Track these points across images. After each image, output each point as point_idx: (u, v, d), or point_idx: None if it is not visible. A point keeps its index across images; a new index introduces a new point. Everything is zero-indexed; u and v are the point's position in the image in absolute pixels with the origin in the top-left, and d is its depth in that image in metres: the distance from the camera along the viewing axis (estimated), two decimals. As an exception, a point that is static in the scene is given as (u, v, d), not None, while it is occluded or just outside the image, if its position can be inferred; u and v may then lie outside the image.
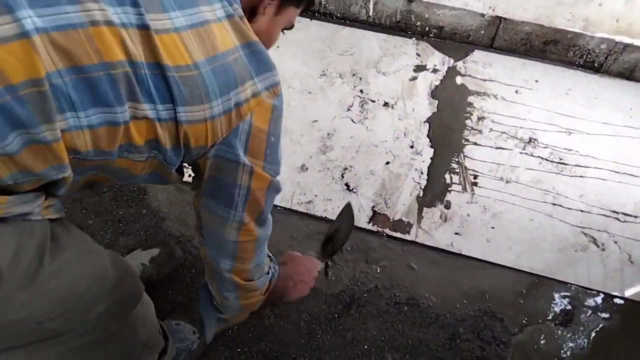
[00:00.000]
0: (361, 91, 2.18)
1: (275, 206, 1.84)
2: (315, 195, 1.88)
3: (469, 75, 2.23)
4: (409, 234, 1.80)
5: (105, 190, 1.85)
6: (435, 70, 2.25)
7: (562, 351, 1.58)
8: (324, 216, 1.83)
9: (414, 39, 2.35)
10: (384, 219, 1.83)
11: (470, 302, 1.66)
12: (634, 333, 1.61)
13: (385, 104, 2.14)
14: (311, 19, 2.42)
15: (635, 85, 2.20)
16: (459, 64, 2.27)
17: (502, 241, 1.78)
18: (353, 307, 1.65)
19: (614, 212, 1.85)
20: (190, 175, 1.05)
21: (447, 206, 1.87)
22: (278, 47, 2.28)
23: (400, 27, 2.37)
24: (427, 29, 2.34)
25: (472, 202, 1.88)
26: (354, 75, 2.23)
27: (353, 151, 2.00)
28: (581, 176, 1.94)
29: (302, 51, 2.30)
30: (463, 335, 1.60)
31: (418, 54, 2.30)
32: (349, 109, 2.12)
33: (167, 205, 1.83)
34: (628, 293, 1.68)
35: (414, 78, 2.22)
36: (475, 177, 1.94)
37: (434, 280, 1.71)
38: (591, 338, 1.60)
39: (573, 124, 2.07)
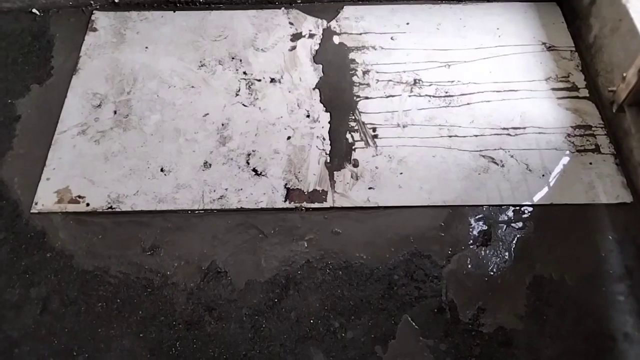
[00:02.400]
0: (244, 73, 2.13)
1: (187, 211, 1.78)
2: (226, 189, 1.84)
3: (345, 33, 2.25)
4: (326, 201, 1.82)
5: (0, 245, 1.70)
6: (311, 35, 2.24)
7: (489, 269, 1.68)
8: (239, 207, 1.80)
9: (282, 8, 2.32)
10: (299, 194, 1.83)
11: (398, 249, 1.72)
12: (547, 234, 1.74)
13: (272, 80, 2.11)
14: (174, 11, 2.32)
15: (497, 5, 2.32)
16: (333, 23, 2.28)
17: (413, 183, 1.85)
18: (290, 287, 1.65)
19: (504, 128, 1.97)
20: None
21: (356, 164, 1.90)
22: (147, 47, 2.17)
23: (266, -1, 2.33)
24: (293, -5, 2.31)
25: (377, 155, 1.92)
26: (233, 58, 2.17)
27: (252, 135, 1.96)
28: (468, 103, 2.03)
29: (173, 46, 2.20)
30: (398, 282, 1.66)
31: (291, 23, 2.28)
32: (237, 94, 2.07)
33: (72, 242, 1.72)
34: (534, 199, 1.80)
35: (293, 47, 2.20)
36: (374, 129, 1.98)
37: (360, 238, 1.74)
38: (512, 250, 1.72)
39: (450, 56, 2.16)
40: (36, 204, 1.79)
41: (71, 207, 1.78)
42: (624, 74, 1.76)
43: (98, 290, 1.63)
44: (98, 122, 1.98)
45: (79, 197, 1.80)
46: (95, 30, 2.25)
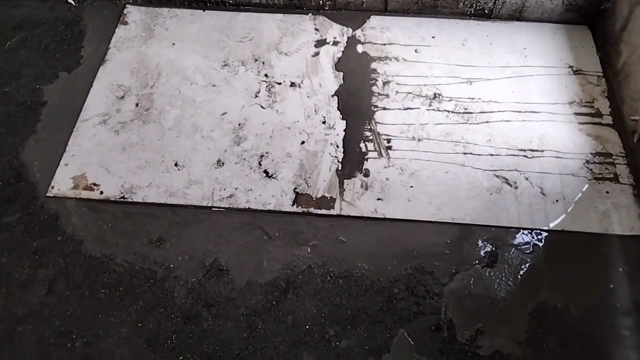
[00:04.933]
0: (266, 75, 2.15)
1: (197, 206, 1.81)
2: (236, 188, 1.86)
3: (369, 42, 2.25)
4: (333, 208, 1.82)
5: (14, 224, 1.76)
6: (335, 43, 2.25)
7: (492, 291, 1.65)
8: (247, 207, 1.82)
9: (310, 14, 2.34)
10: (307, 199, 1.84)
11: (401, 262, 1.71)
12: (555, 261, 1.70)
13: (292, 84, 2.13)
14: (204, 10, 2.36)
15: (526, 25, 2.29)
16: (358, 32, 2.28)
17: (422, 198, 1.83)
18: (289, 291, 1.66)
19: (522, 150, 1.94)
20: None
21: (366, 174, 1.90)
22: (174, 44, 2.21)
23: (294, 4, 2.35)
24: (321, 2, 2.33)
25: (389, 166, 1.91)
26: (256, 60, 2.20)
27: (267, 137, 1.98)
28: (486, 122, 2.01)
29: (199, 44, 2.24)
30: (398, 295, 1.65)
31: (317, 29, 2.30)
32: (256, 96, 2.09)
33: (83, 227, 1.76)
34: (546, 224, 1.77)
35: (316, 54, 2.22)
36: (389, 140, 1.97)
37: (363, 248, 1.74)
38: (517, 273, 1.69)
39: (473, 73, 2.14)
40: (52, 188, 1.84)
41: (85, 194, 1.83)
42: (649, 104, 1.71)
43: (103, 277, 1.67)
44: (119, 113, 2.03)
45: (94, 184, 1.85)
46: (126, 23, 2.31)
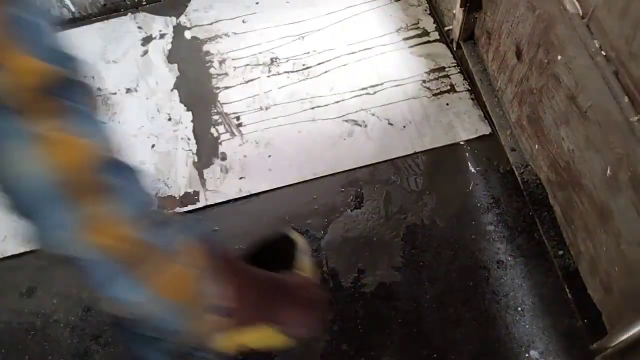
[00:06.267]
0: (99, 89, 2.07)
1: (60, 244, 1.74)
2: (96, 213, 1.80)
3: (196, 25, 2.20)
4: (199, 201, 1.81)
5: None
6: (162, 35, 2.19)
7: (365, 229, 1.71)
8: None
9: (129, 14, 2.26)
10: (170, 201, 1.82)
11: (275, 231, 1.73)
12: (414, 184, 1.78)
13: (128, 90, 2.06)
14: (18, 41, 2.22)
15: (342, -33, 2.31)
16: (182, 18, 2.23)
17: (282, 163, 1.85)
18: (174, 295, 1.64)
19: (363, 89, 1.99)
20: None
21: (224, 158, 1.89)
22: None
23: (110, 9, 2.25)
24: (136, -1, 2.25)
25: (243, 143, 1.91)
26: (85, 77, 2.10)
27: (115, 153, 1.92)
28: (326, 72, 2.04)
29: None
30: (280, 264, 1.67)
31: (139, 27, 2.22)
32: (94, 113, 2.01)
33: None
34: (398, 152, 1.84)
35: (145, 52, 2.15)
36: (238, 118, 1.97)
37: (238, 230, 1.75)
38: (382, 206, 1.75)
39: (302, 28, 2.15)
40: None
41: (-62, 269, 1.72)
42: (454, 11, 1.79)
43: (-21, 347, 1.59)
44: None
45: None
46: None
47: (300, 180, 1.82)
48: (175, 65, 2.11)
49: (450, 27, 1.87)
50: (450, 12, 1.96)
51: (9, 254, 1.74)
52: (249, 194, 1.81)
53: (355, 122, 1.91)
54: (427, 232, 1.70)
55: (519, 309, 1.56)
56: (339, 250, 1.69)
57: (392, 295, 1.61)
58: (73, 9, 2.21)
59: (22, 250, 1.74)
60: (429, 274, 1.63)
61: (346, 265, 1.66)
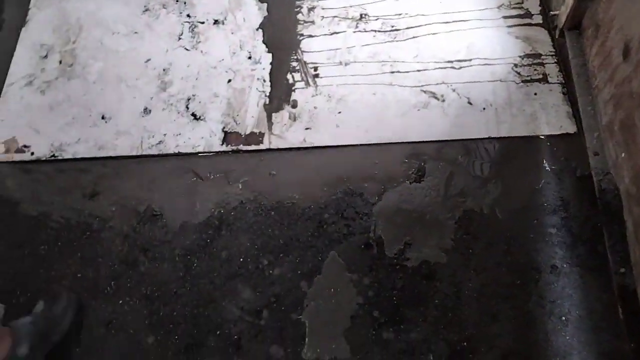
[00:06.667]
0: (188, 15, 2.10)
1: (126, 157, 1.82)
2: (165, 134, 1.86)
3: (292, -32, 2.16)
4: (262, 143, 1.82)
5: (-50, 195, 1.79)
6: (257, -27, 2.17)
7: (420, 204, 1.68)
8: (177, 152, 1.82)
9: (229, -54, 2.24)
10: (236, 137, 1.84)
11: (330, 188, 1.73)
12: (482, 169, 1.71)
13: (216, 22, 2.08)
14: (121, -45, 2.27)
15: None
16: (280, -41, 2.19)
17: (350, 122, 1.83)
18: (223, 228, 1.69)
19: (449, 62, 1.90)
20: None
21: (294, 105, 1.88)
22: (93, -5, 2.15)
23: (212, -63, 2.24)
24: None
25: (316, 94, 1.89)
26: (177, 1, 2.14)
27: (193, 79, 1.96)
28: (414, 37, 1.96)
29: (119, -8, 2.17)
30: (329, 220, 1.68)
31: (237, -39, 2.21)
32: (179, 38, 2.05)
33: (18, 189, 1.79)
34: (472, 133, 1.76)
35: (238, -13, 2.15)
36: (316, 68, 1.94)
37: (294, 179, 1.76)
38: (444, 185, 1.70)
39: (399, -12, 2.07)
40: (-16, 155, 1.86)
41: (17, 157, 1.85)
42: (565, -4, 1.66)
43: (41, 235, 1.71)
44: (44, 73, 2.01)
45: (25, 146, 1.86)
46: (42, -21, 2.23)
47: (365, 143, 1.79)
48: (265, 5, 2.09)
49: (557, 12, 1.74)
50: (560, -3, 1.81)
51: (79, 156, 1.83)
52: (312, 145, 1.80)
53: (434, 95, 1.84)
54: (484, 220, 1.64)
55: (564, 318, 1.49)
56: (390, 220, 1.66)
57: (434, 276, 1.57)
58: None
59: (92, 155, 1.83)
60: (476, 263, 1.58)
61: (394, 235, 1.64)
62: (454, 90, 1.84)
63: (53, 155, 1.84)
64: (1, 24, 2.16)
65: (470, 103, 1.81)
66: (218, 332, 1.55)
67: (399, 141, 1.78)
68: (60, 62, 2.03)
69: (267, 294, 1.59)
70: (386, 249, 1.62)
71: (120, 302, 1.60)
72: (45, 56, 2.05)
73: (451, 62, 1.90)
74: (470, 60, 1.89)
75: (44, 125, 1.90)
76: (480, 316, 1.51)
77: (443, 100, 1.83)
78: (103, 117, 1.90)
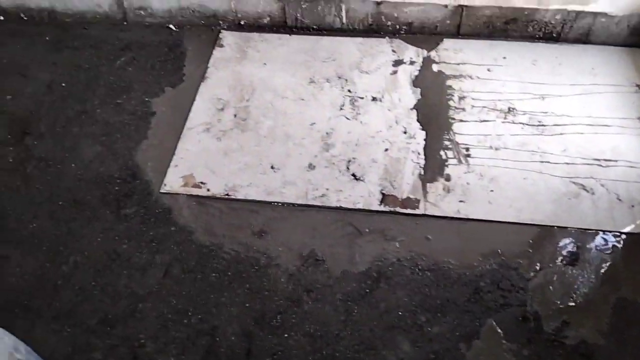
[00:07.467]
0: (349, 91, 2.36)
1: (292, 204, 1.99)
2: (327, 189, 2.03)
3: (444, 62, 2.43)
4: (418, 208, 1.97)
5: (132, 216, 1.97)
6: (412, 62, 2.44)
7: (575, 287, 1.75)
8: (338, 206, 1.98)
9: (387, 37, 2.55)
10: (393, 199, 2.00)
11: (485, 258, 1.82)
12: (634, 261, 1.79)
13: (374, 99, 2.32)
14: (290, 35, 2.61)
15: (592, 48, 2.43)
16: (432, 53, 2.47)
17: (502, 201, 1.96)
18: (381, 280, 1.79)
19: (596, 159, 2.05)
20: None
21: (448, 179, 2.04)
22: (265, 64, 2.46)
23: (372, 29, 2.57)
24: (397, 26, 2.54)
25: (469, 172, 2.05)
26: (339, 78, 2.41)
27: (353, 144, 2.16)
28: (560, 134, 2.14)
29: (288, 64, 2.47)
30: (485, 288, 1.76)
31: (394, 50, 2.50)
32: (341, 108, 2.29)
33: (193, 220, 1.96)
34: (623, 227, 1.86)
35: (395, 72, 2.41)
36: (467, 149, 2.12)
37: (448, 245, 1.87)
38: (598, 272, 1.78)
39: (545, 90, 2.28)
40: (165, 185, 2.06)
41: (194, 191, 2.04)
42: None
43: (212, 263, 1.85)
44: (220, 123, 2.26)
45: (202, 183, 2.06)
46: (222, 46, 2.57)
47: (519, 222, 1.91)
48: (419, 90, 2.34)
49: None
50: None
51: (250, 198, 2.01)
52: (466, 217, 1.93)
53: (583, 187, 1.97)
54: (638, 310, 1.68)
55: None
56: (546, 297, 1.73)
57: (592, 355, 1.61)
58: (345, 21, 2.56)
59: (261, 199, 2.00)
60: (632, 350, 1.61)
61: (550, 313, 1.70)
62: (602, 185, 1.97)
63: (227, 194, 2.02)
64: (182, 77, 2.47)
65: (619, 199, 1.93)
66: (378, 380, 1.59)
67: (552, 224, 1.89)
68: (235, 115, 2.29)
69: (426, 350, 1.64)
70: (544, 324, 1.68)
71: (285, 335, 1.68)
72: (222, 109, 2.31)
73: (598, 160, 2.05)
74: (616, 161, 2.04)
75: (219, 167, 2.11)
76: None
77: (593, 193, 1.95)
78: (272, 167, 2.10)
